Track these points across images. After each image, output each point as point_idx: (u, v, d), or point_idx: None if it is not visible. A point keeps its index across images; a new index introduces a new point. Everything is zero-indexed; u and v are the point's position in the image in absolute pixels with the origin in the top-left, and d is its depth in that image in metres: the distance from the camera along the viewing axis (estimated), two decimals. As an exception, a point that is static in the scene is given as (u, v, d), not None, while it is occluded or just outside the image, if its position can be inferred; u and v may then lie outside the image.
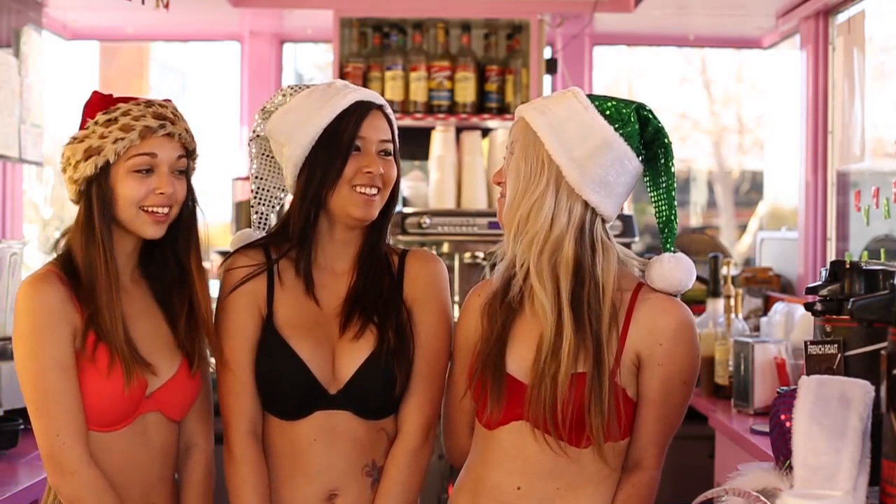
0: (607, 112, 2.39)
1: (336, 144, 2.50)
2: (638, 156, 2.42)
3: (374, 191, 2.52)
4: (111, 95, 2.49)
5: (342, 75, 5.30)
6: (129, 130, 2.41)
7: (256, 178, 2.73)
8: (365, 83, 5.28)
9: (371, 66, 5.37)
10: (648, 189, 2.50)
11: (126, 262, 2.52)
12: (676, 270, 2.42)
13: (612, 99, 2.43)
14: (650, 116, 2.42)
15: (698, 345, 2.44)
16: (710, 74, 11.02)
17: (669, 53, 10.33)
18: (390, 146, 2.56)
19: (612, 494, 2.41)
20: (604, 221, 2.41)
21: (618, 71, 10.67)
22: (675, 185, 2.46)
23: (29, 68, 4.71)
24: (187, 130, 2.50)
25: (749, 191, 10.80)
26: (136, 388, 2.42)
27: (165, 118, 2.45)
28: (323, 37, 5.85)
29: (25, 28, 4.71)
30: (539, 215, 2.34)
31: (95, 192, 2.43)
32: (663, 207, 2.47)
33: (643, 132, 2.42)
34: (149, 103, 2.46)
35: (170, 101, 2.54)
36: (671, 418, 2.42)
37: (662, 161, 2.46)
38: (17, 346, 2.41)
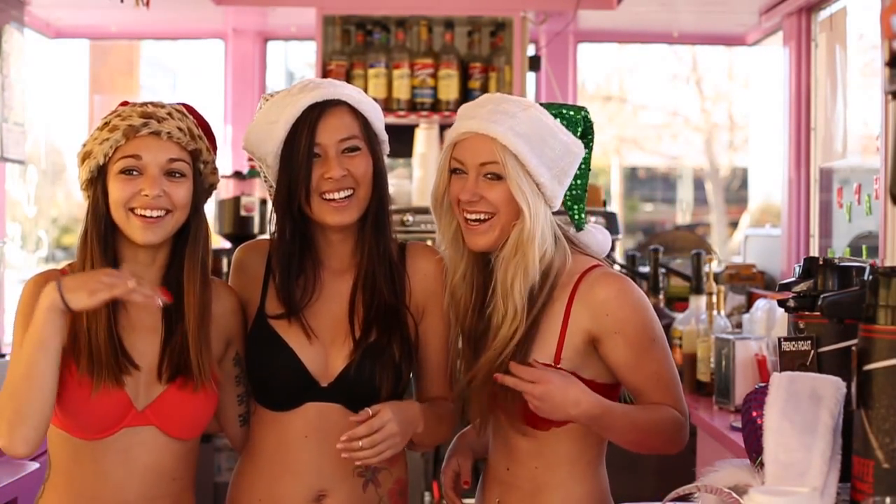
0: (565, 121, 2.48)
1: (294, 157, 2.45)
2: None
3: (344, 194, 2.45)
4: (126, 102, 2.44)
5: (325, 73, 5.30)
6: (113, 131, 2.34)
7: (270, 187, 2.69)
8: (348, 81, 5.23)
9: (354, 64, 5.37)
10: None
11: (146, 269, 2.40)
12: (604, 240, 2.61)
13: (561, 106, 2.52)
14: (587, 116, 2.53)
15: (646, 303, 2.46)
16: (700, 71, 11.04)
17: (660, 51, 10.34)
18: (355, 142, 2.48)
19: (590, 473, 2.48)
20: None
21: (608, 68, 10.69)
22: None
23: (10, 66, 4.70)
24: (182, 129, 2.38)
25: (740, 188, 10.83)
26: (110, 399, 2.32)
27: (152, 116, 2.35)
28: (306, 34, 5.84)
29: (7, 26, 4.69)
30: (544, 231, 2.43)
31: (92, 197, 2.38)
32: (579, 187, 2.56)
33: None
34: (144, 103, 2.39)
35: (184, 104, 2.47)
36: (662, 372, 2.45)
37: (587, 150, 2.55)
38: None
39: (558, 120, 2.47)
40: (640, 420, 2.42)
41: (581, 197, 2.58)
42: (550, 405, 2.30)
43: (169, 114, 2.38)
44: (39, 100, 5.86)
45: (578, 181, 2.55)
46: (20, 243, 5.57)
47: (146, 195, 2.32)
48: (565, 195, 2.53)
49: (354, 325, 2.50)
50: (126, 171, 2.34)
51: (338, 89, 2.50)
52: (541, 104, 2.50)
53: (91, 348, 2.32)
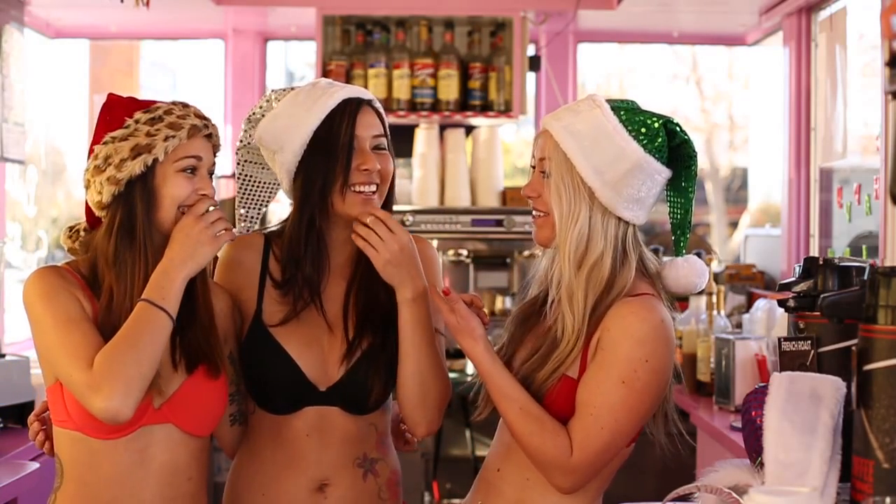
0: (635, 128, 2.35)
1: (332, 147, 2.46)
2: (667, 165, 2.39)
3: (373, 188, 2.49)
4: (132, 98, 2.44)
5: (325, 73, 5.29)
6: (177, 129, 2.36)
7: (241, 185, 2.70)
8: (348, 81, 5.26)
9: (354, 64, 5.37)
10: (667, 189, 2.46)
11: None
12: (690, 274, 2.45)
13: (640, 112, 2.38)
14: (677, 130, 2.39)
15: (652, 350, 2.28)
16: (700, 71, 11.02)
17: (660, 51, 10.33)
18: (383, 140, 2.53)
19: (585, 499, 2.37)
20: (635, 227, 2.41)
21: (608, 68, 10.68)
22: (695, 193, 2.44)
23: (10, 66, 4.70)
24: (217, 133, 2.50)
25: (740, 188, 10.81)
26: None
27: (203, 118, 2.43)
28: (307, 34, 5.84)
29: (7, 26, 4.69)
30: (593, 237, 2.34)
31: (139, 192, 2.36)
32: (679, 211, 2.46)
33: (670, 142, 2.39)
34: (184, 104, 2.43)
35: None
36: (600, 416, 2.26)
37: (685, 169, 2.43)
38: (30, 321, 2.33)
39: (624, 123, 2.35)
40: (507, 405, 2.31)
41: (681, 224, 2.45)
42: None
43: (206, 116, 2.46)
44: (39, 100, 5.85)
45: (679, 206, 2.45)
46: (20, 243, 5.57)
47: (204, 194, 2.40)
48: (672, 217, 2.46)
49: (348, 327, 2.51)
50: (188, 170, 2.39)
51: (364, 91, 2.57)
52: (616, 102, 2.40)
53: None
